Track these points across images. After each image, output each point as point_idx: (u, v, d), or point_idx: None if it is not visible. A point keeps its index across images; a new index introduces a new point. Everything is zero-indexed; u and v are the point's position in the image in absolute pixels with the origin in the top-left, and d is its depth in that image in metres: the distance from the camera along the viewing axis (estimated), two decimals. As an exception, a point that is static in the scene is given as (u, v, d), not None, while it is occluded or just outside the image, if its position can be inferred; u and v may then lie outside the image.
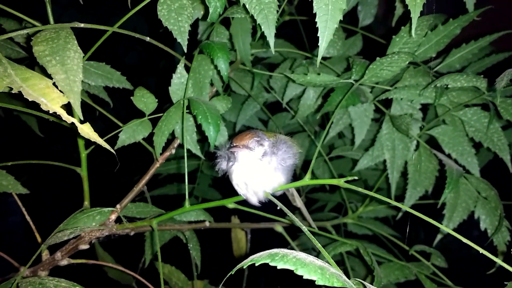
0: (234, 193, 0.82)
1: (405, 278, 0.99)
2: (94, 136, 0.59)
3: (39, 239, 0.96)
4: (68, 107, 0.76)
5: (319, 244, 0.57)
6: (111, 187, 1.12)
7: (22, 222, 3.16)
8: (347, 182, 0.70)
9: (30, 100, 0.56)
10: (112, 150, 0.63)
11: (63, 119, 0.57)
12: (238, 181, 0.76)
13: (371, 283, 0.80)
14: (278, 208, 0.70)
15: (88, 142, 0.90)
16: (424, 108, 1.04)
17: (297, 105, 1.13)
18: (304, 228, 0.62)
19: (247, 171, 0.74)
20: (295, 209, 0.95)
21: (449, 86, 0.82)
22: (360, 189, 0.69)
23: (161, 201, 1.27)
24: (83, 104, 1.02)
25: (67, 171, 0.97)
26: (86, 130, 0.59)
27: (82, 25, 0.73)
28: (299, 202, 0.90)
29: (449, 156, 0.99)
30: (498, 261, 0.52)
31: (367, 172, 1.38)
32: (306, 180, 0.73)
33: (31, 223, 0.98)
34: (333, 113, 0.86)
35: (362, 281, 0.53)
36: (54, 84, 0.65)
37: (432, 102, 0.89)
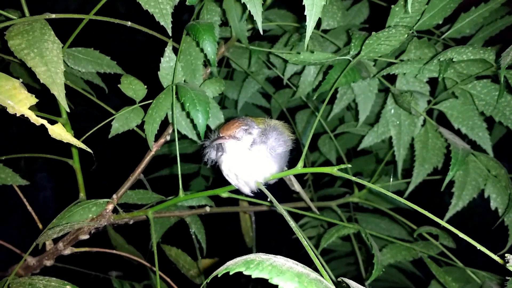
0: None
1: (413, 258, 0.96)
2: (67, 137, 0.57)
3: (41, 227, 0.98)
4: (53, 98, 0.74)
5: (302, 238, 0.54)
6: (110, 176, 1.11)
7: (51, 196, 3.27)
8: (340, 170, 0.66)
9: (-5, 103, 0.53)
10: (89, 150, 0.61)
11: (32, 121, 0.54)
12: (228, 172, 0.73)
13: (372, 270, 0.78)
14: (268, 199, 0.68)
15: (79, 134, 0.88)
16: (433, 80, 0.98)
17: (298, 82, 1.07)
18: (289, 220, 0.59)
19: (236, 162, 0.71)
20: (294, 193, 0.92)
21: (454, 59, 0.75)
22: (351, 177, 0.65)
23: (165, 182, 1.26)
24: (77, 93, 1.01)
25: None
26: (58, 131, 0.56)
27: (53, 15, 0.69)
28: (297, 187, 0.87)
29: (458, 131, 0.93)
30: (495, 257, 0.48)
31: (378, 145, 1.32)
32: (298, 169, 0.70)
33: (33, 213, 0.99)
34: (330, 90, 0.81)
35: (347, 280, 0.50)
36: (38, 78, 0.64)
37: (437, 75, 0.82)
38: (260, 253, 0.48)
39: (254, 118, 0.75)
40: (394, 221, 1.30)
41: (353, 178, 0.64)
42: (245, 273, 0.45)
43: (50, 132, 0.56)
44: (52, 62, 0.70)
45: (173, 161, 1.41)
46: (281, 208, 0.63)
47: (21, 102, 0.54)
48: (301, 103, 1.30)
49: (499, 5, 0.90)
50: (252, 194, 0.76)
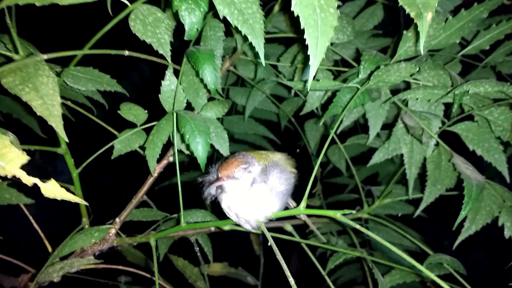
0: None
1: (421, 279, 0.95)
2: (60, 194, 0.55)
3: (49, 249, 0.98)
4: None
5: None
6: (114, 197, 1.11)
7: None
8: (343, 215, 0.64)
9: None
10: (84, 202, 0.60)
11: (23, 182, 0.53)
12: (228, 211, 0.71)
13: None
14: (268, 244, 0.65)
15: (79, 161, 0.87)
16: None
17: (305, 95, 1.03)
18: (281, 259, 0.57)
19: (235, 201, 0.69)
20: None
21: (470, 92, 0.70)
22: (353, 224, 0.62)
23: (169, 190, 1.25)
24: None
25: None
26: (51, 189, 0.54)
27: (45, 56, 0.67)
28: (302, 216, 0.85)
29: (473, 152, 0.89)
30: None
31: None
32: (301, 209, 0.67)
33: (39, 231, 0.99)
34: (342, 113, 0.77)
35: None
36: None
37: (452, 101, 0.78)
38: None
39: (255, 152, 0.72)
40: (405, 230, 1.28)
41: (353, 223, 0.62)
42: None
43: (42, 191, 0.54)
44: (48, 95, 0.69)
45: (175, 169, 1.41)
46: (277, 251, 0.62)
47: (12, 162, 0.52)
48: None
49: (524, 21, 0.83)
50: (253, 231, 0.74)
